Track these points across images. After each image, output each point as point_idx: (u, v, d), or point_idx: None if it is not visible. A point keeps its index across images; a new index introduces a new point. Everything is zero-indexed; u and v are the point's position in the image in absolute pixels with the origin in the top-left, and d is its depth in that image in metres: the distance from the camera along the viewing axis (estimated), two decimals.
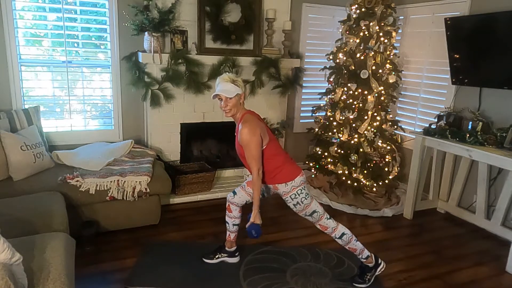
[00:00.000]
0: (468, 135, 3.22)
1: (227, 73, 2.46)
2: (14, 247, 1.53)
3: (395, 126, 4.05)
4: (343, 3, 4.20)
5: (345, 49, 3.98)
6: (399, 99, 4.36)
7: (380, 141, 3.90)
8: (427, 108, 4.14)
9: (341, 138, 3.97)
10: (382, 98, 3.93)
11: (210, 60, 3.88)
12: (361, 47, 3.87)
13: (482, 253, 3.20)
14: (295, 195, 2.43)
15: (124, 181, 3.10)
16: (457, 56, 3.54)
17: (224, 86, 2.33)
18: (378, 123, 3.88)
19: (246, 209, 2.90)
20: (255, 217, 2.39)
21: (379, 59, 3.83)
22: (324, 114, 4.28)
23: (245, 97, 2.45)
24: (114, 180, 3.08)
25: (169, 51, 3.78)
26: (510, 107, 3.33)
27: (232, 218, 2.75)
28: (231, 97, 2.33)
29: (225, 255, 2.83)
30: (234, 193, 2.71)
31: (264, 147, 2.38)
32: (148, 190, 3.14)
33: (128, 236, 3.14)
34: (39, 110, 3.47)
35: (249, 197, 2.66)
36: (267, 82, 4.25)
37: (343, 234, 2.53)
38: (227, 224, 2.78)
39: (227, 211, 2.75)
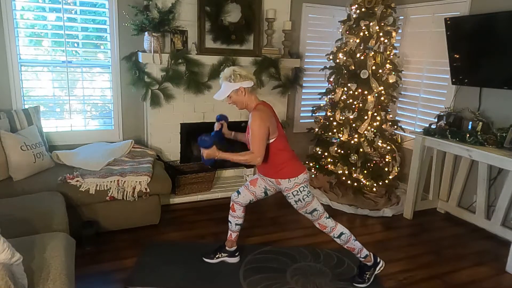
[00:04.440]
0: (468, 135, 3.22)
1: (228, 67, 2.47)
2: (14, 247, 1.53)
3: (395, 126, 4.05)
4: (343, 3, 4.20)
5: (345, 49, 3.98)
6: (399, 99, 4.36)
7: (380, 141, 3.90)
8: (427, 108, 4.14)
9: (341, 138, 3.97)
10: (382, 98, 3.93)
11: (210, 60, 3.88)
12: (361, 47, 3.87)
13: (482, 253, 3.20)
14: (297, 192, 2.45)
15: (124, 181, 3.10)
16: (457, 56, 3.54)
17: (221, 86, 2.43)
18: (378, 123, 3.88)
19: (249, 209, 2.91)
20: (218, 152, 2.48)
21: (379, 59, 3.83)
22: (324, 114, 4.28)
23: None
24: (114, 180, 3.08)
25: (169, 51, 3.77)
26: (510, 107, 3.33)
27: (235, 217, 2.75)
28: (227, 96, 2.42)
29: (225, 255, 2.83)
30: (238, 192, 2.72)
31: (271, 141, 2.40)
32: (148, 190, 3.14)
33: (128, 236, 3.14)
34: (39, 110, 3.47)
35: (252, 196, 2.67)
36: (267, 82, 4.25)
37: (341, 233, 2.54)
38: (229, 224, 2.79)
39: (230, 211, 2.76)
